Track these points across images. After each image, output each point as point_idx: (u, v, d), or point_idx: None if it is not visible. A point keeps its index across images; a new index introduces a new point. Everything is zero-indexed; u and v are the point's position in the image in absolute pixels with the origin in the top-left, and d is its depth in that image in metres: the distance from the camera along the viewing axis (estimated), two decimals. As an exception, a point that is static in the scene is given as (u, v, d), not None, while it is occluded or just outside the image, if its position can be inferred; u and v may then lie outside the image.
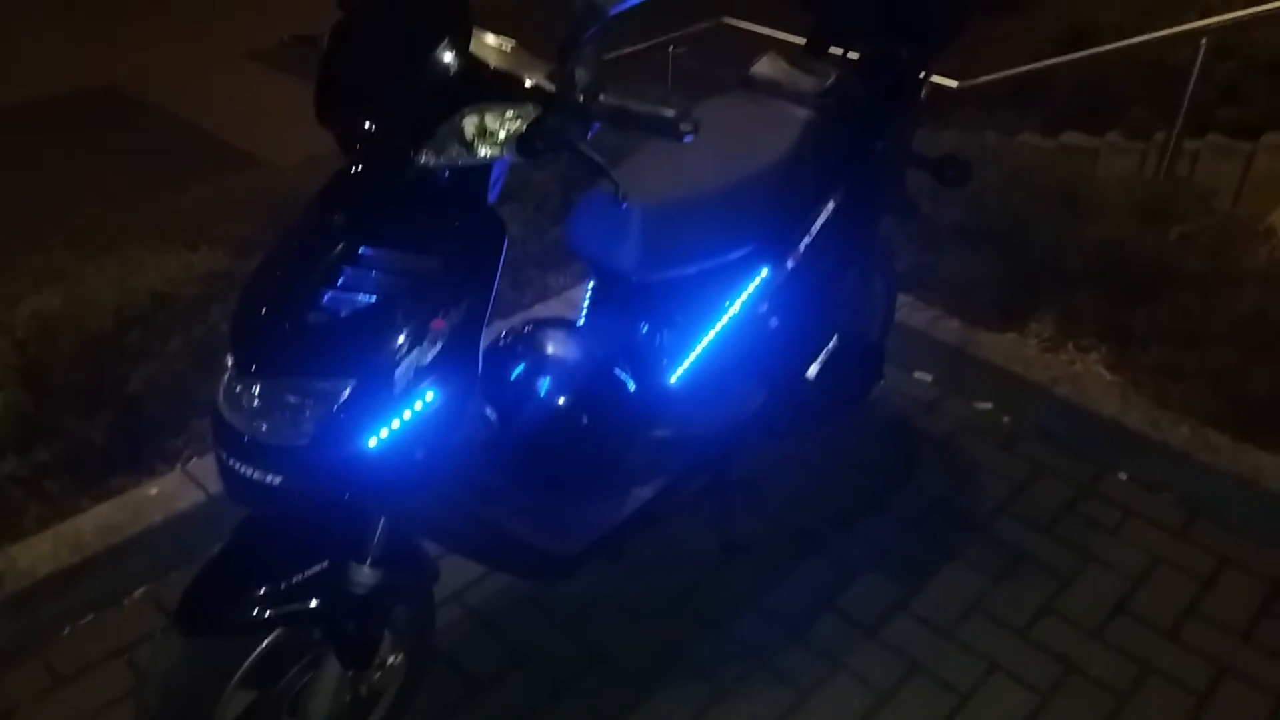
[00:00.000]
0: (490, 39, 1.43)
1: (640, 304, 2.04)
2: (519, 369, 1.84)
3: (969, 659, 2.13)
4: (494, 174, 1.44)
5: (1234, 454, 2.51)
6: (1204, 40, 3.70)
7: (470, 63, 1.32)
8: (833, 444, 2.66)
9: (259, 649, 1.51)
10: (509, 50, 1.43)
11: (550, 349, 1.88)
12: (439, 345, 1.35)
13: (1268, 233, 3.21)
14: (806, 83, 2.13)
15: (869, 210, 2.28)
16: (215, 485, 2.24)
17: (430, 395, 1.36)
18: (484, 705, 2.03)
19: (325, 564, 1.47)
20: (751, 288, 2.05)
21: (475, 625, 2.17)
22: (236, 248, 2.88)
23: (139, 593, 2.21)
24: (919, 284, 3.09)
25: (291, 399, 1.31)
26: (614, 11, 1.30)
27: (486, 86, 1.34)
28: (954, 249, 3.13)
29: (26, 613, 2.07)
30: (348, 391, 1.30)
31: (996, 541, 2.42)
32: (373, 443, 1.33)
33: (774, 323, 2.12)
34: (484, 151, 1.36)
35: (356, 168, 1.38)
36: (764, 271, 2.05)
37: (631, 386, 1.92)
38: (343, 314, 1.32)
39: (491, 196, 1.46)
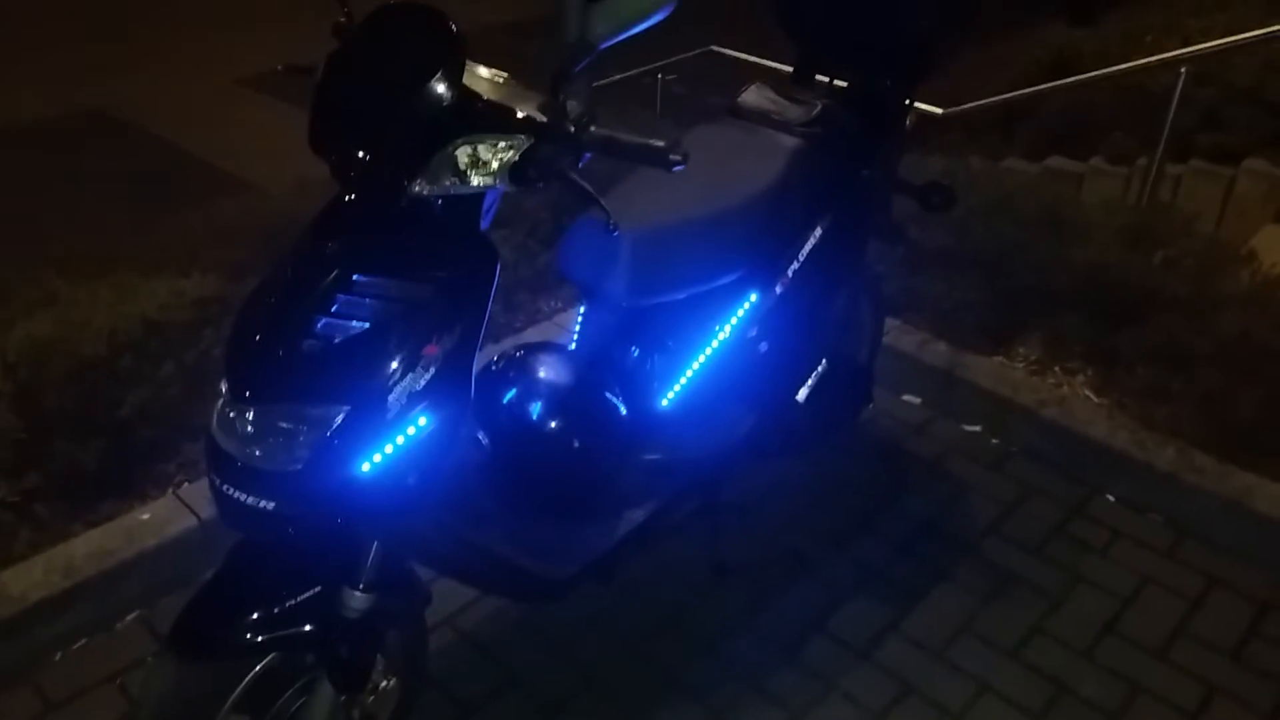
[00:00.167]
0: (483, 71, 1.45)
1: (631, 328, 2.06)
2: (511, 393, 1.85)
3: (960, 680, 2.14)
4: (486, 202, 1.46)
5: (1220, 475, 2.53)
6: (1184, 69, 3.76)
7: (463, 94, 1.35)
8: (823, 466, 2.67)
9: (252, 673, 1.51)
10: (501, 82, 1.45)
11: (542, 373, 1.90)
12: (432, 371, 1.36)
13: (1250, 256, 3.25)
14: (793, 112, 2.17)
15: (856, 236, 2.31)
16: (208, 510, 2.25)
17: (423, 420, 1.37)
18: (476, 729, 2.03)
19: (318, 588, 1.48)
20: (741, 312, 2.07)
21: (468, 649, 2.18)
22: (229, 273, 2.89)
23: (131, 618, 2.21)
24: (907, 308, 3.12)
25: (285, 425, 1.32)
26: (604, 45, 1.33)
27: (479, 117, 1.36)
28: (941, 273, 3.17)
29: (18, 638, 2.06)
30: (341, 417, 1.32)
31: (986, 563, 2.44)
32: (366, 468, 1.34)
33: (763, 347, 2.14)
34: (477, 181, 1.38)
35: (350, 196, 1.40)
36: (753, 297, 2.07)
37: (623, 410, 1.94)
38: (336, 340, 1.33)
39: (484, 224, 1.48)
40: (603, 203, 1.39)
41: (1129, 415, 2.72)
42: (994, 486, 2.68)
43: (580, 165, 1.43)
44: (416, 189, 1.37)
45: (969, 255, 3.19)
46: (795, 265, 2.13)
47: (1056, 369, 2.92)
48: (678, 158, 1.35)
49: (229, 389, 1.35)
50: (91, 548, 2.19)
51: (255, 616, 1.44)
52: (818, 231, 2.16)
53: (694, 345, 2.07)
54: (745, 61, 4.77)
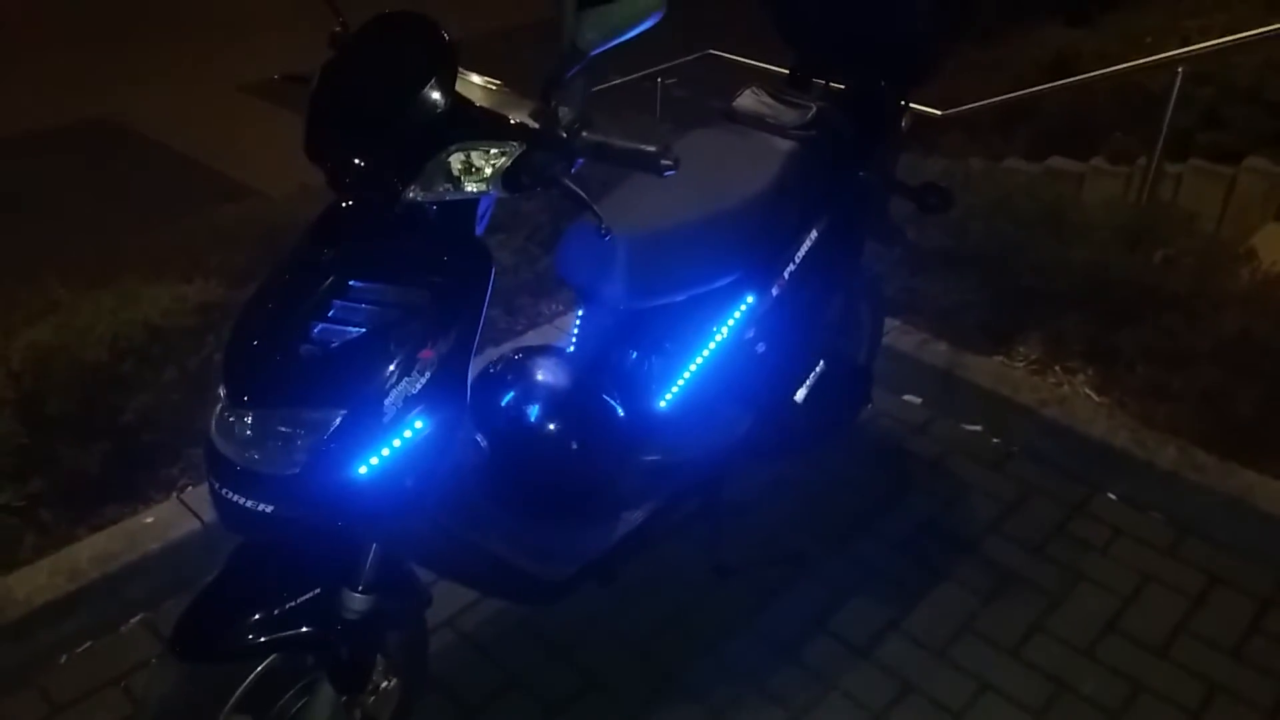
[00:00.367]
0: (476, 78, 1.47)
1: (629, 331, 2.07)
2: (509, 396, 1.86)
3: (961, 679, 2.15)
4: (481, 208, 1.47)
5: (1221, 473, 2.53)
6: (1180, 69, 3.77)
7: (456, 101, 1.36)
8: (823, 467, 2.68)
9: (253, 675, 1.52)
10: (494, 89, 1.47)
11: (540, 376, 1.91)
12: (427, 375, 1.38)
13: (1249, 254, 3.25)
14: (788, 115, 2.18)
15: (852, 238, 2.32)
16: (210, 514, 2.25)
17: (419, 424, 1.38)
18: (477, 730, 2.04)
19: (318, 590, 1.49)
20: (738, 314, 2.08)
21: (469, 650, 2.19)
22: (230, 278, 2.91)
23: (135, 621, 2.23)
24: (908, 308, 3.13)
25: (283, 429, 1.33)
26: (595, 52, 1.34)
27: (473, 124, 1.37)
28: (942, 273, 3.17)
29: (23, 641, 2.08)
30: (338, 421, 1.33)
31: (987, 562, 2.44)
32: (363, 471, 1.35)
33: (761, 348, 2.15)
34: (470, 187, 1.39)
35: (346, 203, 1.41)
36: (749, 299, 2.08)
37: (621, 412, 1.95)
38: (333, 345, 1.34)
39: (479, 229, 1.49)
40: (595, 208, 1.40)
41: (1129, 414, 2.73)
42: (994, 486, 2.69)
43: (573, 171, 1.44)
44: (411, 195, 1.38)
45: (969, 255, 3.19)
46: (791, 267, 2.14)
47: (1057, 368, 2.92)
48: (668, 163, 1.37)
49: (227, 394, 1.37)
50: (95, 551, 2.20)
51: (256, 618, 1.45)
52: (814, 234, 2.17)
53: (692, 347, 2.08)
54: (743, 65, 4.78)
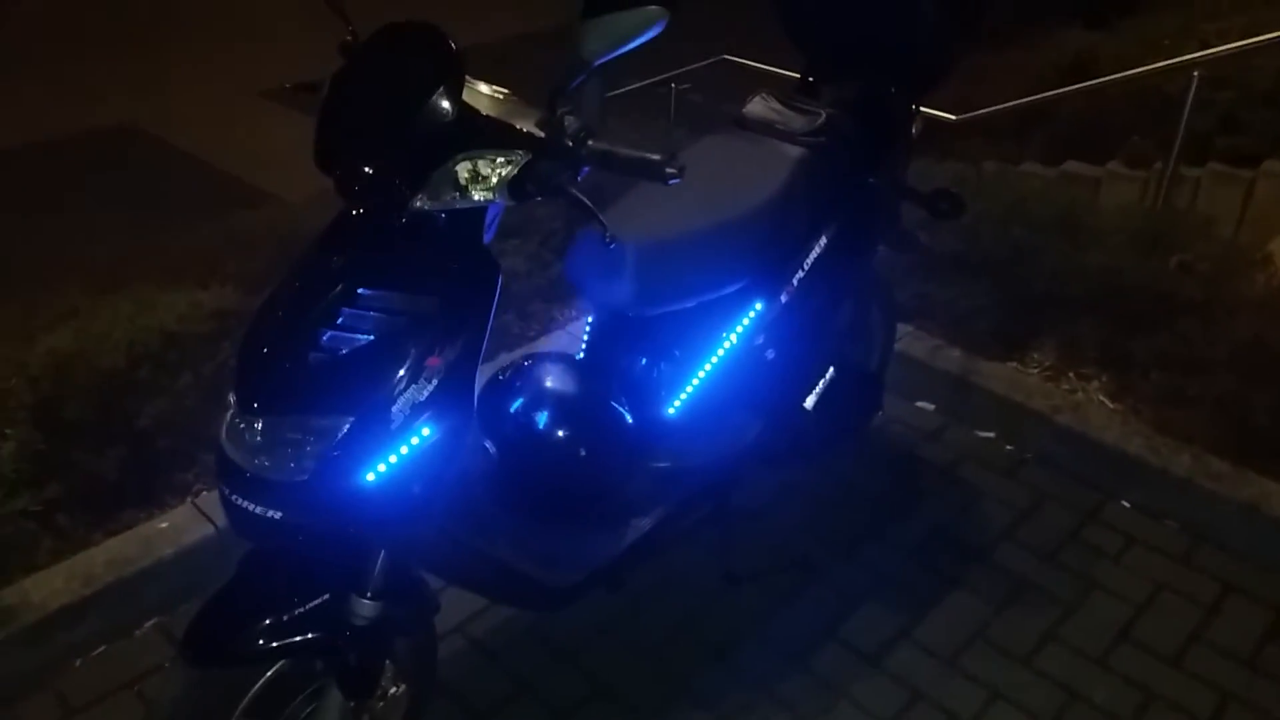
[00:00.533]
0: (483, 87, 1.48)
1: (638, 337, 2.08)
2: (518, 402, 1.87)
3: (971, 687, 2.14)
4: (489, 216, 1.48)
5: (1236, 481, 2.52)
6: (1196, 73, 3.75)
7: (463, 110, 1.37)
8: (835, 473, 2.68)
9: (263, 680, 1.54)
10: (501, 98, 1.48)
11: (549, 382, 1.92)
12: (435, 382, 1.39)
13: (1266, 260, 3.23)
14: (797, 121, 2.18)
15: (862, 244, 2.32)
16: (224, 518, 2.28)
17: (427, 431, 1.39)
18: (487, 736, 2.05)
19: (327, 596, 1.50)
20: (747, 321, 2.08)
21: (478, 656, 2.20)
22: (246, 285, 2.93)
23: (149, 625, 2.24)
24: (920, 314, 3.12)
25: (292, 436, 1.34)
26: (599, 62, 1.35)
27: (479, 133, 1.38)
28: (955, 279, 3.16)
29: (39, 645, 2.10)
30: (346, 428, 1.34)
31: (999, 569, 2.43)
32: (371, 478, 1.36)
33: (770, 355, 2.15)
34: (477, 195, 1.40)
35: (355, 212, 1.42)
36: (758, 305, 2.08)
37: (629, 418, 1.95)
38: (342, 353, 1.35)
39: (487, 237, 1.50)
40: (600, 216, 1.41)
41: (1144, 421, 2.71)
42: (1007, 493, 2.68)
43: (579, 179, 1.45)
44: (419, 204, 1.39)
45: (983, 260, 3.18)
46: (801, 274, 2.14)
47: (1071, 374, 2.91)
48: (673, 171, 1.37)
49: (237, 401, 1.38)
50: (110, 556, 2.23)
51: (265, 624, 1.46)
52: (823, 240, 2.17)
53: (701, 354, 2.08)
54: (757, 70, 4.78)
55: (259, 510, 1.37)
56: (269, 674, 1.54)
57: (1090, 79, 4.74)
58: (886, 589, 2.38)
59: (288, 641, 1.48)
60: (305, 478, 1.34)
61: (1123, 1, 6.64)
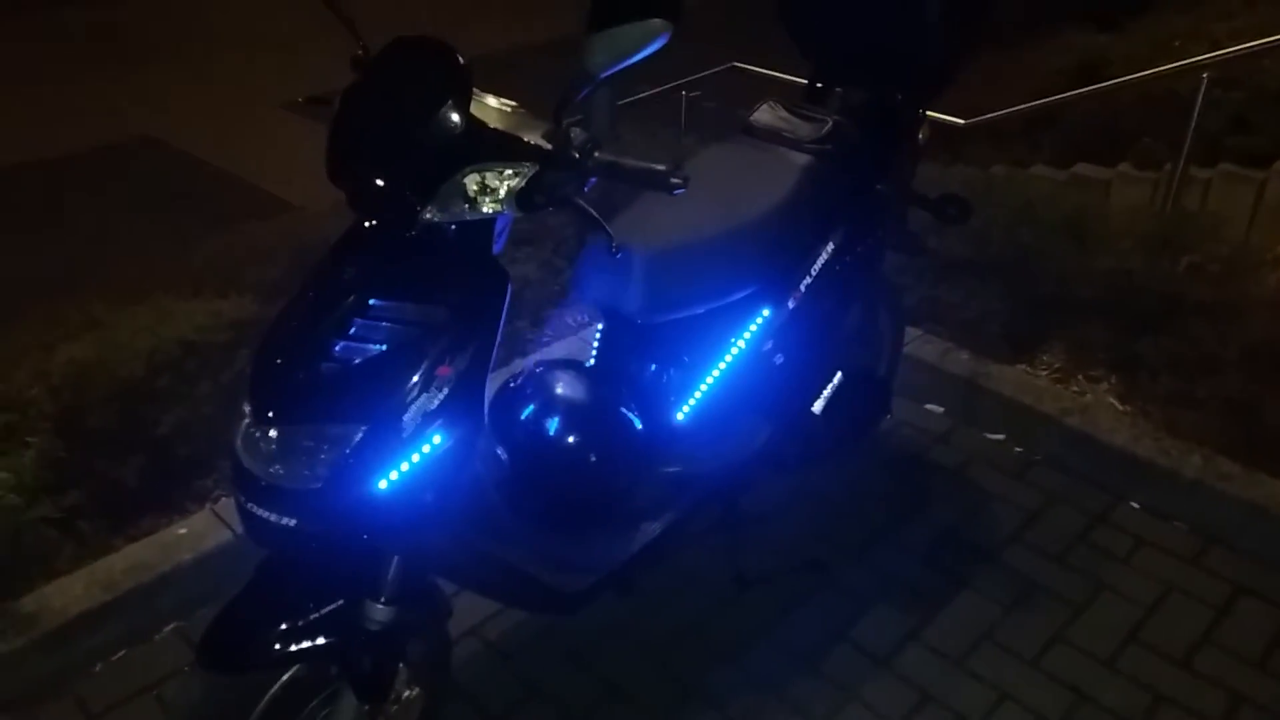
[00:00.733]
0: (491, 100, 1.51)
1: (648, 344, 2.11)
2: (529, 409, 1.90)
3: (980, 689, 2.15)
4: (498, 227, 1.51)
5: (1246, 482, 2.52)
6: (1205, 74, 3.75)
7: (472, 123, 1.40)
8: (844, 476, 2.69)
9: (278, 684, 1.56)
10: (509, 111, 1.51)
11: (560, 389, 1.94)
12: (445, 391, 1.41)
13: (1277, 261, 3.22)
14: (804, 129, 2.20)
15: (869, 250, 2.34)
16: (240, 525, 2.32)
17: (438, 439, 1.42)
18: (500, 738, 2.08)
19: (341, 602, 1.52)
20: (755, 327, 2.11)
21: (492, 659, 2.22)
22: (265, 295, 2.97)
23: (168, 630, 2.28)
24: (929, 317, 3.13)
25: (305, 444, 1.37)
26: (603, 75, 1.38)
27: (487, 146, 1.41)
28: (964, 282, 3.18)
29: (59, 650, 2.13)
30: (359, 436, 1.37)
31: (1008, 571, 2.44)
32: (383, 485, 1.39)
33: (778, 360, 2.17)
34: (486, 207, 1.43)
35: (367, 224, 1.46)
36: (766, 311, 2.11)
37: (639, 424, 1.98)
38: (354, 363, 1.38)
39: (497, 248, 1.53)
40: (607, 226, 1.44)
41: (1153, 422, 2.72)
42: (1017, 495, 2.69)
43: (585, 190, 1.47)
44: (429, 216, 1.42)
45: (992, 263, 3.19)
46: (808, 280, 2.16)
47: (1080, 377, 2.92)
48: (678, 181, 1.40)
49: (252, 410, 1.41)
50: (130, 562, 2.26)
51: (280, 630, 1.49)
52: (830, 247, 2.19)
53: (710, 359, 2.11)
54: (766, 76, 4.81)
55: (273, 517, 1.40)
56: (284, 678, 1.56)
57: (1100, 81, 4.74)
58: (896, 591, 2.39)
59: (302, 647, 1.50)
60: (319, 485, 1.37)
61: (1133, 2, 6.62)
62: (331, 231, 1.53)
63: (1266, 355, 2.74)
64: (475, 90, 1.45)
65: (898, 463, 2.81)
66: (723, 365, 2.10)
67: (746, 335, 2.11)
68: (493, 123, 1.44)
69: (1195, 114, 3.77)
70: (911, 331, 3.00)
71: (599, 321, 2.19)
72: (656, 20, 1.34)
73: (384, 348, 1.40)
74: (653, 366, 2.11)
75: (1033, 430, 2.82)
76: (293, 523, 1.39)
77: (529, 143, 1.43)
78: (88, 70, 8.56)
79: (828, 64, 2.40)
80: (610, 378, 2.06)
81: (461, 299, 1.45)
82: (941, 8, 2.14)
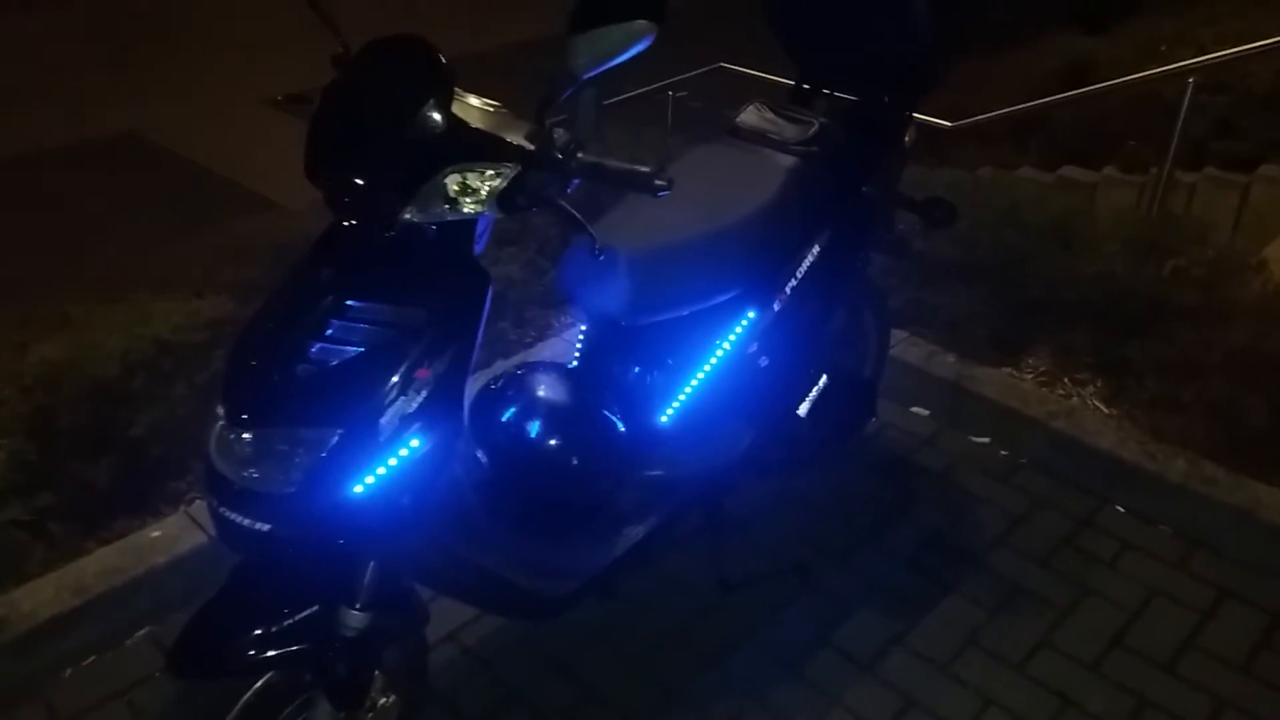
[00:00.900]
0: (473, 100, 1.48)
1: (631, 346, 2.08)
2: (510, 412, 1.87)
3: (965, 694, 2.14)
4: (479, 228, 1.48)
5: (1231, 486, 2.52)
6: (1191, 79, 3.75)
7: (453, 123, 1.37)
8: (830, 479, 2.68)
9: (252, 690, 1.53)
10: (491, 110, 1.48)
11: (541, 391, 1.92)
12: (424, 394, 1.39)
13: (1261, 265, 3.22)
14: (790, 131, 2.18)
15: (855, 252, 2.32)
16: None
17: (416, 443, 1.39)
18: (480, 745, 2.05)
19: (316, 608, 1.50)
20: (739, 329, 2.09)
21: (471, 664, 2.19)
22: (241, 294, 2.94)
23: (140, 634, 2.24)
24: (915, 320, 3.12)
25: (280, 448, 1.34)
26: (587, 76, 1.36)
27: (469, 146, 1.39)
28: (950, 285, 3.17)
29: (29, 655, 2.10)
30: (334, 440, 1.34)
31: (993, 575, 2.43)
32: (359, 490, 1.36)
33: (763, 362, 2.15)
34: (467, 208, 1.40)
35: (345, 223, 1.43)
36: (751, 314, 2.09)
37: (621, 427, 1.95)
38: (331, 365, 1.36)
39: (477, 249, 1.50)
40: (589, 228, 1.41)
41: (1139, 426, 2.71)
42: (1002, 498, 2.68)
43: (568, 191, 1.45)
44: (409, 216, 1.40)
45: (978, 266, 3.19)
46: (793, 283, 2.14)
47: (1066, 380, 2.91)
48: (662, 183, 1.38)
49: (225, 412, 1.38)
50: (102, 565, 2.22)
51: (253, 636, 1.46)
52: (815, 249, 2.17)
53: (694, 362, 2.08)
54: (753, 77, 4.80)
55: (247, 522, 1.37)
56: (258, 685, 1.54)
57: (1087, 84, 4.75)
58: (880, 595, 2.37)
59: (276, 653, 1.47)
60: (293, 489, 1.34)
61: (1120, 6, 6.65)
62: (313, 230, 1.51)
63: (1251, 359, 2.74)
64: (457, 89, 1.43)
65: (883, 466, 2.79)
66: (707, 368, 2.08)
67: (731, 338, 2.09)
68: (474, 122, 1.42)
69: (1181, 118, 3.78)
70: (897, 334, 2.98)
71: (582, 323, 2.17)
72: (641, 21, 1.32)
73: (362, 350, 1.37)
74: (636, 369, 2.09)
75: (1018, 433, 2.81)
76: (267, 528, 1.36)
77: (511, 143, 1.40)
78: (68, 66, 8.49)
79: (814, 67, 2.38)
80: (593, 380, 2.04)
81: (441, 301, 1.42)
82: (928, 11, 2.12)
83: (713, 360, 2.08)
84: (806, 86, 2.41)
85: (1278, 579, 2.39)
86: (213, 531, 2.25)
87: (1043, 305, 3.06)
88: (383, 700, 1.70)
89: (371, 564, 1.50)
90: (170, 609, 2.22)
